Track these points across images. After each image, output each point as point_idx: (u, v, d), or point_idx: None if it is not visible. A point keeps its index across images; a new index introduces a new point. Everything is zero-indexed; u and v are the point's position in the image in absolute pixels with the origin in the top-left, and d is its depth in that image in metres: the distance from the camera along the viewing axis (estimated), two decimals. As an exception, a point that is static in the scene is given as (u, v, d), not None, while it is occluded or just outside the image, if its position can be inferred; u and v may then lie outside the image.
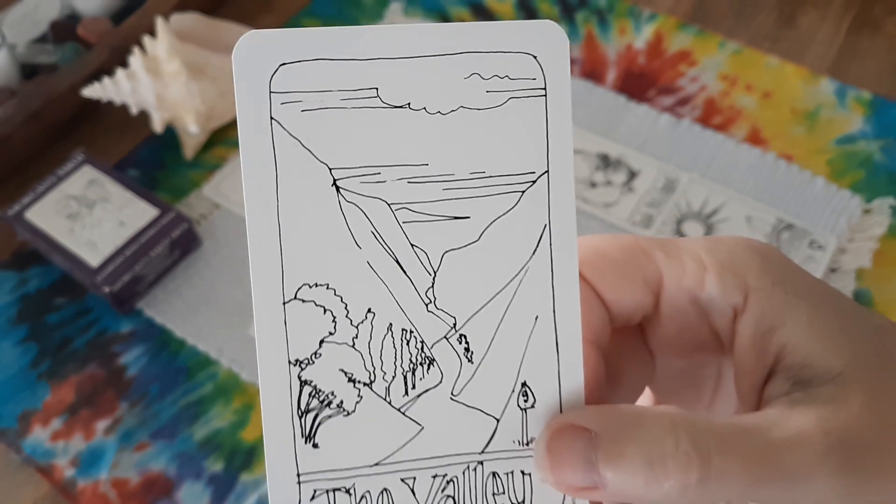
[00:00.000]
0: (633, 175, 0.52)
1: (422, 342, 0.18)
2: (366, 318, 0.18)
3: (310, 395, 0.18)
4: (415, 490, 0.18)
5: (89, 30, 0.56)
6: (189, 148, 0.54)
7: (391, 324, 0.18)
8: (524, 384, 0.18)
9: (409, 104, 0.17)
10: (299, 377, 0.18)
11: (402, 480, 0.18)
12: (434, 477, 0.18)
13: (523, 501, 0.18)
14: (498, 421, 0.18)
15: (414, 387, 0.18)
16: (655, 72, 0.58)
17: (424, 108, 0.17)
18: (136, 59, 0.51)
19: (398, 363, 0.18)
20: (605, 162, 0.53)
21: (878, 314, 0.18)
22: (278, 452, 0.18)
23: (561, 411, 0.18)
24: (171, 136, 0.54)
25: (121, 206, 0.48)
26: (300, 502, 0.18)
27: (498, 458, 0.18)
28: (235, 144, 0.55)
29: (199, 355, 0.45)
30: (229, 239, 0.50)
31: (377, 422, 0.18)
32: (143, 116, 0.53)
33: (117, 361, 0.45)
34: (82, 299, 0.48)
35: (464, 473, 0.18)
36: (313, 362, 0.18)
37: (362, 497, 0.18)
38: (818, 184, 0.50)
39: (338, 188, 0.18)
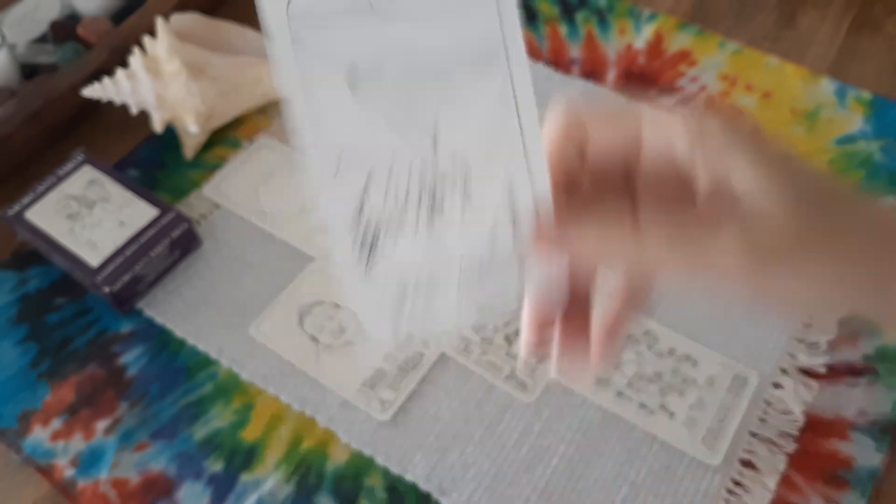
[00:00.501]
0: (633, 175, 0.52)
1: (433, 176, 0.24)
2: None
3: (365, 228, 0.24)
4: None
5: (89, 30, 0.56)
6: (189, 148, 0.54)
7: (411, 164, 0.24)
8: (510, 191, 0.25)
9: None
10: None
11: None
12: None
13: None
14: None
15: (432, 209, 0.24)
16: (655, 72, 0.58)
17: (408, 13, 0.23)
18: (136, 59, 0.51)
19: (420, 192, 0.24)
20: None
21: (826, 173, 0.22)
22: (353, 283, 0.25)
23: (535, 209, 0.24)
24: (171, 136, 0.54)
25: (121, 206, 0.48)
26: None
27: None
28: (235, 144, 0.55)
29: (199, 355, 0.45)
30: (229, 239, 0.50)
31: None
32: (143, 116, 0.53)
33: (117, 361, 0.45)
34: (82, 299, 0.48)
35: None
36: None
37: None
38: (818, 184, 0.51)
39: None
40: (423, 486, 0.40)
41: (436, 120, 0.24)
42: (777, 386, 0.43)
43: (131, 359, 0.45)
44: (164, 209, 0.47)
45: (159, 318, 0.46)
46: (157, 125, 0.52)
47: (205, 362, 0.45)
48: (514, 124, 0.24)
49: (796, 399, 0.42)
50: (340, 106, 0.23)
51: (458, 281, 0.26)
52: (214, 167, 0.54)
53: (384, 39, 0.23)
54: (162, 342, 0.46)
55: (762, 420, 0.42)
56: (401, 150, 0.24)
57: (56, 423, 0.43)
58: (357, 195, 0.24)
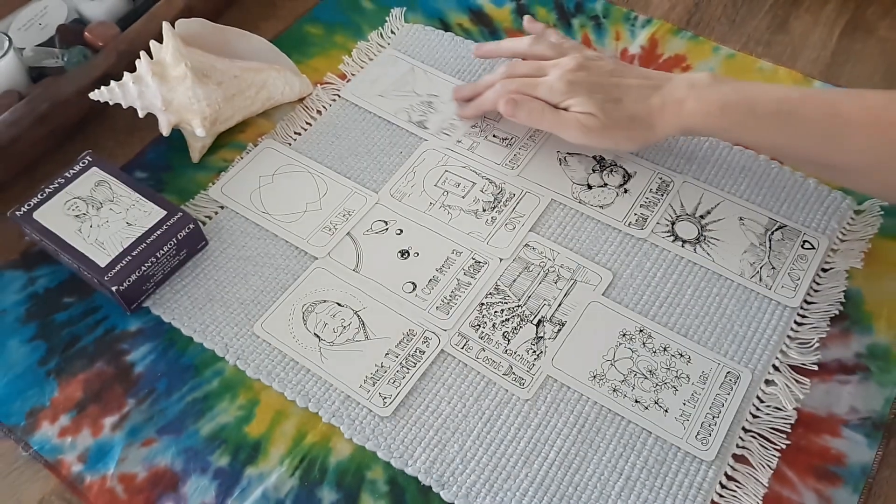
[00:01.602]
0: (627, 177, 0.53)
1: None
2: None
3: None
4: None
5: (96, 34, 0.57)
6: (195, 150, 0.55)
7: None
8: None
9: None
10: None
11: None
12: None
13: None
14: None
15: None
16: (651, 76, 0.59)
17: None
18: (142, 63, 0.52)
19: None
20: (601, 164, 0.54)
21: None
22: None
23: None
24: (177, 138, 0.55)
25: (128, 206, 0.49)
26: None
27: None
28: (240, 147, 0.56)
29: (205, 352, 0.46)
30: (235, 239, 0.51)
31: None
32: (150, 119, 0.54)
33: (125, 359, 0.46)
34: (90, 298, 0.49)
35: None
36: None
37: None
38: (810, 185, 0.51)
39: None
40: (424, 479, 0.41)
41: None
42: (769, 383, 0.44)
43: (138, 356, 0.46)
44: (170, 210, 0.48)
45: (166, 317, 0.47)
46: (164, 128, 0.53)
47: (211, 359, 0.46)
48: None
49: (788, 396, 0.43)
50: None
51: None
52: (220, 169, 0.55)
53: None
54: (169, 340, 0.47)
55: (755, 416, 0.43)
56: None
57: (64, 420, 0.44)
58: None
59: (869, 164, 0.43)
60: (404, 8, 0.64)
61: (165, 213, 0.48)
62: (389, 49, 0.61)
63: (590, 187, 0.52)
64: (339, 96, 0.58)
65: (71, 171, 0.50)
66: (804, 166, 0.50)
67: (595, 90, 0.48)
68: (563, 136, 0.49)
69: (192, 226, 0.48)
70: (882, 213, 0.50)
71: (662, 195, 0.52)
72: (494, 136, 0.55)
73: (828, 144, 0.43)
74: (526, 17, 0.59)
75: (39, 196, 0.49)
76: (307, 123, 0.57)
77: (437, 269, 0.49)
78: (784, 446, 0.42)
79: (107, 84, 0.52)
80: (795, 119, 0.43)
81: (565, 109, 0.49)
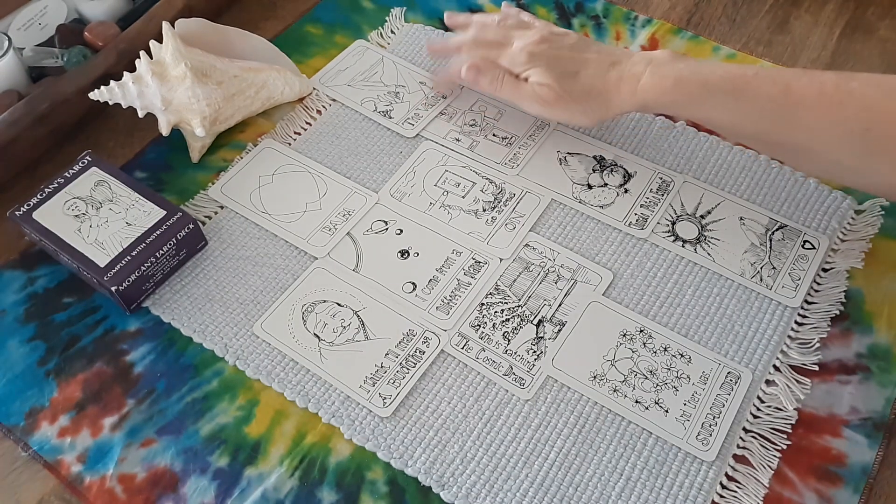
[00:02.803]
0: (628, 177, 0.53)
1: None
2: None
3: None
4: None
5: (96, 34, 0.57)
6: (195, 150, 0.55)
7: None
8: None
9: None
10: None
11: None
12: None
13: None
14: None
15: None
16: (651, 76, 0.59)
17: None
18: (142, 63, 0.52)
19: None
20: (601, 164, 0.54)
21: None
22: None
23: None
24: (177, 138, 0.55)
25: (128, 206, 0.48)
26: None
27: None
28: (240, 147, 0.56)
29: (204, 353, 0.46)
30: (234, 239, 0.51)
31: None
32: (150, 119, 0.54)
33: (124, 359, 0.46)
34: (89, 298, 0.49)
35: None
36: None
37: None
38: (811, 185, 0.51)
39: None
40: (424, 479, 0.41)
41: None
42: (770, 383, 0.44)
43: (138, 356, 0.46)
44: (170, 210, 0.48)
45: (166, 317, 0.47)
46: (164, 128, 0.53)
47: (210, 359, 0.46)
48: None
49: (789, 396, 0.43)
50: None
51: None
52: (219, 169, 0.55)
53: None
54: (168, 340, 0.47)
55: (755, 416, 0.43)
56: None
57: (63, 420, 0.44)
58: None
59: (819, 143, 0.43)
60: (404, 8, 0.64)
61: (165, 213, 0.48)
62: (360, 40, 0.61)
63: (590, 187, 0.52)
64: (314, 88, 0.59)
65: (70, 171, 0.50)
66: (756, 144, 0.50)
67: (554, 63, 0.49)
68: (520, 107, 0.51)
69: (191, 226, 0.48)
70: (882, 212, 0.50)
71: (663, 195, 0.52)
72: (494, 135, 0.55)
73: (779, 122, 0.43)
74: (504, 2, 0.60)
75: (39, 196, 0.49)
76: (307, 123, 0.57)
77: (437, 269, 0.48)
78: (785, 447, 0.42)
79: (107, 84, 0.52)
80: (748, 96, 0.43)
81: (526, 80, 0.50)
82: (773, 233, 0.49)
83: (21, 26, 0.60)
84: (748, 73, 0.44)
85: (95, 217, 0.48)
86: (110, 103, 0.52)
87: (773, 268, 0.48)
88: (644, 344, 0.45)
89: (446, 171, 0.53)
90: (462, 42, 0.53)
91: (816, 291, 0.47)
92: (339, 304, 0.47)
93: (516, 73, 0.50)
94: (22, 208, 0.48)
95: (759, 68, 0.45)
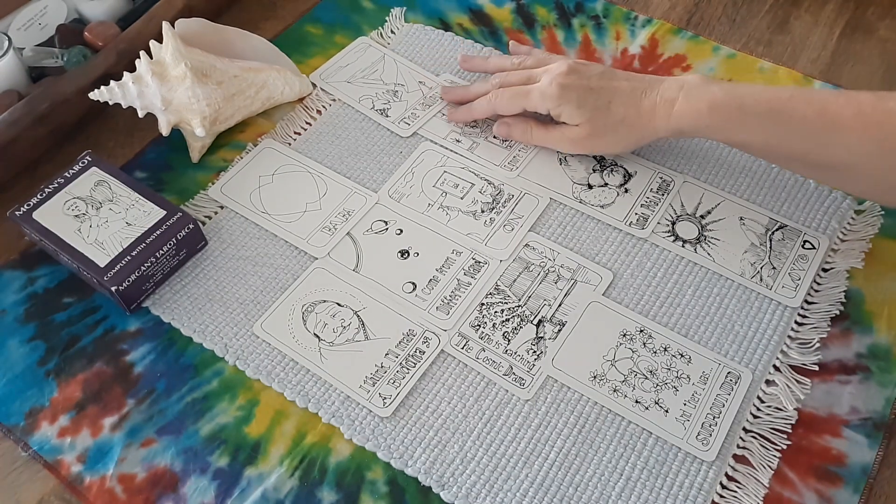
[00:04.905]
0: (628, 177, 0.53)
1: None
2: None
3: None
4: None
5: (96, 34, 0.57)
6: (195, 150, 0.55)
7: None
8: None
9: None
10: None
11: None
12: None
13: None
14: None
15: None
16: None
17: None
18: (142, 63, 0.52)
19: None
20: (602, 164, 0.54)
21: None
22: None
23: None
24: (177, 138, 0.55)
25: (128, 206, 0.48)
26: None
27: None
28: (240, 147, 0.56)
29: (204, 353, 0.46)
30: (234, 239, 0.51)
31: None
32: (150, 119, 0.54)
33: (124, 359, 0.46)
34: (90, 298, 0.49)
35: None
36: None
37: None
38: (811, 185, 0.51)
39: None
40: (424, 479, 0.41)
41: None
42: (770, 383, 0.44)
43: (138, 356, 0.46)
44: (170, 210, 0.48)
45: (166, 317, 0.47)
46: (164, 128, 0.53)
47: (210, 359, 0.46)
48: None
49: (789, 396, 0.43)
50: None
51: None
52: (219, 169, 0.55)
53: None
54: (168, 340, 0.47)
55: (755, 416, 0.43)
56: None
57: (63, 420, 0.44)
58: None
59: (856, 163, 0.43)
60: (404, 8, 0.64)
61: (165, 212, 0.48)
62: (362, 37, 0.62)
63: (590, 187, 0.52)
64: (314, 84, 0.58)
65: (70, 170, 0.50)
66: (793, 165, 0.50)
67: (585, 95, 0.48)
68: (556, 150, 0.53)
69: (191, 226, 0.48)
70: (882, 212, 0.50)
71: (663, 195, 0.52)
72: (494, 136, 0.55)
73: (816, 143, 0.43)
74: (511, 43, 0.59)
75: (39, 196, 0.49)
76: (307, 123, 0.57)
77: (437, 269, 0.48)
78: (785, 446, 0.42)
79: (106, 84, 0.52)
80: (784, 117, 0.43)
81: (556, 117, 0.50)
82: (773, 233, 0.49)
83: (21, 26, 0.60)
84: (783, 94, 0.44)
85: (95, 217, 0.48)
86: (110, 103, 0.52)
87: (773, 268, 0.48)
88: (644, 344, 0.45)
89: (445, 172, 0.53)
90: (486, 90, 0.53)
91: (816, 291, 0.47)
92: (339, 304, 0.47)
93: (548, 110, 0.50)
94: (22, 208, 0.48)
95: (793, 89, 0.45)
